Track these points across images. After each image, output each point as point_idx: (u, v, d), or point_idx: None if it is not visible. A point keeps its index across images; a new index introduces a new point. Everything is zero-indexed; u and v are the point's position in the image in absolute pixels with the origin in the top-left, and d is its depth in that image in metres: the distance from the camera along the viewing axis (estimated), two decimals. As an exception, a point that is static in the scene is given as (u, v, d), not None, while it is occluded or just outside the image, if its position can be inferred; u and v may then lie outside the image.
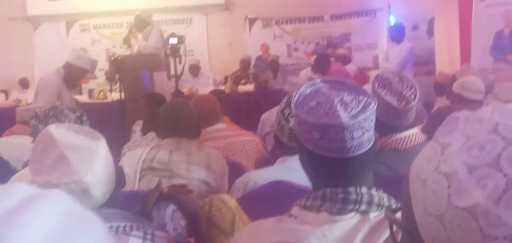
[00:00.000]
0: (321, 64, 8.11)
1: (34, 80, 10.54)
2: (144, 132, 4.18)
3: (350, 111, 1.41)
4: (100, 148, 1.65)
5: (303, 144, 1.50)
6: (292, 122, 2.49)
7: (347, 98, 1.43)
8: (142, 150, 2.94)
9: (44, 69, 10.25)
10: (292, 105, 1.49)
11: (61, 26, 11.01)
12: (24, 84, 10.14)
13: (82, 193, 1.58)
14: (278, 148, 2.72)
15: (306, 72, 9.35)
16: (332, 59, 8.95)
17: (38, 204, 0.66)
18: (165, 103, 3.36)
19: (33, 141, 2.67)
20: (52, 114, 2.56)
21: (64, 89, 5.75)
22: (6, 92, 10.32)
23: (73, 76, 5.83)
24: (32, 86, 10.16)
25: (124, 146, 4.17)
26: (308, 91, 1.49)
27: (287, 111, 2.49)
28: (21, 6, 10.93)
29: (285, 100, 2.53)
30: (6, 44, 10.84)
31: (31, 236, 0.62)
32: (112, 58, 7.13)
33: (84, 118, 2.61)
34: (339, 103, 1.41)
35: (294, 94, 1.51)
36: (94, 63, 5.97)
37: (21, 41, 10.94)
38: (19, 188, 0.68)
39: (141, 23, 7.62)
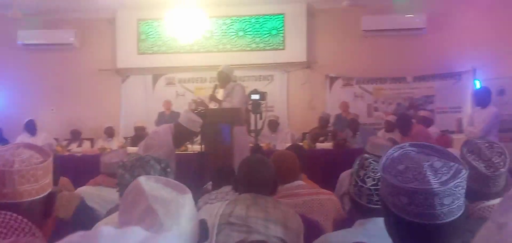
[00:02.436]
0: (403, 125, 7.95)
1: (119, 130, 10.94)
2: (215, 185, 4.19)
3: (440, 177, 1.36)
4: (186, 202, 1.67)
5: (389, 207, 1.45)
6: (369, 183, 2.44)
7: (437, 163, 1.39)
8: (219, 204, 2.94)
9: (129, 119, 10.67)
10: (379, 167, 1.45)
11: (147, 79, 11.41)
12: (109, 133, 10.44)
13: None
14: (355, 210, 2.66)
15: (382, 133, 9.22)
16: (414, 121, 8.76)
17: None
18: (244, 158, 3.37)
19: (118, 191, 2.73)
20: (139, 165, 2.62)
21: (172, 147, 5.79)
22: (92, 140, 10.68)
23: (182, 137, 5.83)
24: (117, 135, 10.54)
25: (200, 199, 4.20)
26: (396, 154, 1.45)
27: (362, 173, 2.44)
28: (111, 59, 11.43)
29: (358, 162, 2.49)
30: (95, 94, 11.34)
31: None
32: (195, 112, 7.28)
33: (169, 169, 2.65)
34: (429, 168, 1.37)
35: (382, 156, 1.48)
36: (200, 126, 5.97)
37: (109, 92, 11.42)
38: (136, 231, 0.70)
39: (224, 79, 7.76)
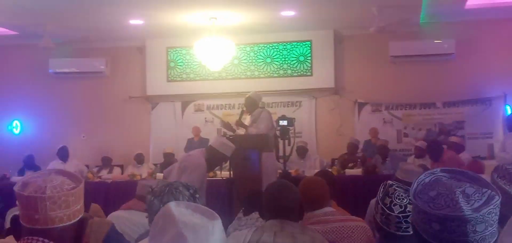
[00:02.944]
0: (434, 151, 7.88)
1: (149, 156, 11.02)
2: (246, 212, 4.19)
3: (472, 204, 1.34)
4: (215, 229, 1.67)
5: (421, 234, 1.43)
6: (397, 210, 2.42)
7: (470, 189, 1.37)
8: (247, 231, 2.94)
9: (159, 146, 10.75)
10: (410, 193, 1.44)
11: (177, 106, 11.49)
12: (139, 159, 10.50)
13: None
14: (385, 238, 2.62)
15: (412, 159, 9.12)
16: (445, 147, 8.66)
17: None
18: (268, 184, 3.37)
19: (147, 217, 2.75)
20: (168, 191, 2.63)
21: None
22: (122, 167, 10.77)
23: (214, 161, 5.87)
24: (147, 162, 10.61)
25: (230, 226, 4.20)
26: (427, 180, 1.44)
27: (388, 200, 2.43)
28: (141, 87, 11.56)
29: (382, 189, 2.47)
30: (125, 121, 11.47)
31: None
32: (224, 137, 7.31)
33: (198, 195, 2.66)
34: (461, 195, 1.35)
35: (413, 182, 1.46)
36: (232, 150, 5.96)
37: (139, 119, 11.53)
38: None
39: (252, 104, 7.80)
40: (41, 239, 1.81)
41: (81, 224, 1.94)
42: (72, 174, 2.01)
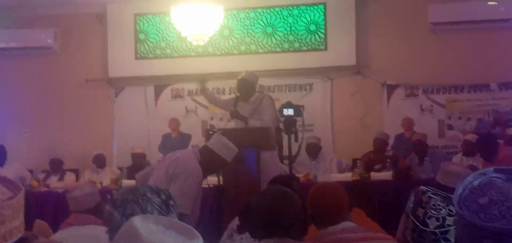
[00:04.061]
0: (486, 147, 7.89)
1: (112, 158, 11.02)
2: (241, 229, 4.19)
3: (536, 213, 1.34)
4: (195, 250, 1.67)
5: (468, 255, 1.43)
6: (432, 224, 2.43)
7: (532, 195, 1.36)
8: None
9: (125, 144, 10.74)
10: (454, 201, 1.44)
11: (148, 91, 11.49)
12: (99, 162, 10.46)
13: None
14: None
15: (459, 158, 9.13)
16: (501, 142, 8.68)
17: None
18: (261, 192, 3.37)
19: (107, 232, 2.73)
20: (132, 199, 2.60)
21: None
22: (76, 172, 10.76)
23: (210, 166, 5.75)
24: (109, 165, 10.60)
25: (226, 241, 4.22)
26: (476, 183, 1.44)
27: (420, 212, 2.44)
28: (101, 66, 11.54)
29: (413, 198, 2.48)
30: (81, 112, 11.45)
31: None
32: (210, 132, 7.31)
33: (171, 202, 2.63)
34: (521, 202, 1.35)
35: (457, 187, 1.46)
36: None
37: (98, 108, 11.54)
38: None
39: (247, 89, 7.79)
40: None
41: (20, 247, 1.93)
42: (8, 180, 2.00)
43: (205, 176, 5.80)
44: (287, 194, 3.12)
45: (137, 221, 1.70)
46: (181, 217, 3.11)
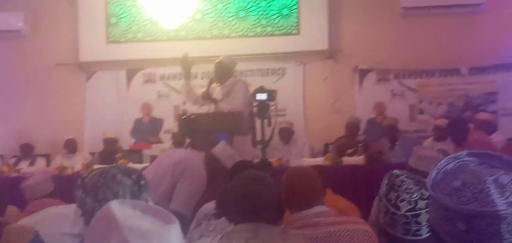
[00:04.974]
0: (457, 131, 7.95)
1: (84, 143, 10.95)
2: (218, 214, 4.19)
3: (508, 196, 1.36)
4: (172, 235, 1.67)
5: (441, 237, 1.45)
6: (404, 208, 2.45)
7: (504, 178, 1.38)
8: (210, 240, 2.95)
9: (97, 129, 10.68)
10: (428, 184, 1.45)
11: (120, 75, 11.44)
12: (70, 147, 10.40)
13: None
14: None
15: (430, 142, 9.20)
16: (471, 126, 8.75)
17: None
18: (236, 176, 3.36)
19: (82, 216, 2.70)
20: (102, 183, 2.58)
21: None
22: (47, 157, 10.68)
23: (214, 173, 5.62)
24: (80, 150, 10.54)
25: (194, 230, 4.21)
26: (450, 166, 1.45)
27: (393, 195, 2.46)
28: (72, 50, 11.46)
29: (386, 182, 2.50)
30: (52, 96, 11.36)
31: None
32: (183, 117, 7.30)
33: (143, 181, 2.61)
34: (493, 185, 1.37)
35: (431, 170, 1.48)
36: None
37: (69, 93, 11.45)
38: None
39: (224, 73, 7.77)
40: None
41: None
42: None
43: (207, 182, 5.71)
44: (263, 178, 3.12)
45: (114, 205, 1.70)
46: (181, 217, 3.10)
